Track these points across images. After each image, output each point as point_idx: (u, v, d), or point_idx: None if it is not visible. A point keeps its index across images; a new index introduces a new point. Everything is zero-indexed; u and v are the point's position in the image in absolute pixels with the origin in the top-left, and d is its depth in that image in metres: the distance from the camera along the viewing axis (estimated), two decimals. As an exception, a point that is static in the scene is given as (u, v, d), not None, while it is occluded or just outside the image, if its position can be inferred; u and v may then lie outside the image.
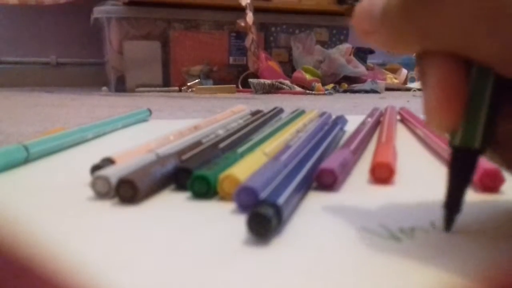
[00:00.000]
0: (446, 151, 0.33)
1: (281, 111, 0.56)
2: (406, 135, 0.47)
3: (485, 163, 0.28)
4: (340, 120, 0.46)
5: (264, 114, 0.52)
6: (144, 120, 0.55)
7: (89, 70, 1.93)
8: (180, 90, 1.52)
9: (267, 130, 0.40)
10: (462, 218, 0.23)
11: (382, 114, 0.53)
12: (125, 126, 0.50)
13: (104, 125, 0.46)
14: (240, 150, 0.32)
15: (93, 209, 0.24)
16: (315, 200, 0.26)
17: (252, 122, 0.45)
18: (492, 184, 0.26)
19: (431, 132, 0.40)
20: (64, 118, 0.68)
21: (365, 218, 0.23)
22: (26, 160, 0.34)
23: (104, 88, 1.58)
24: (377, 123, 0.49)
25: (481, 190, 0.27)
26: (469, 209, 0.24)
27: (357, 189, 0.28)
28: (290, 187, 0.23)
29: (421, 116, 0.49)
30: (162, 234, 0.21)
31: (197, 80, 1.54)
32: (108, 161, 0.29)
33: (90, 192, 0.26)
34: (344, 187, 0.28)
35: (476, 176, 0.27)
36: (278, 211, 0.20)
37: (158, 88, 1.52)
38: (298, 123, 0.44)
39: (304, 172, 0.26)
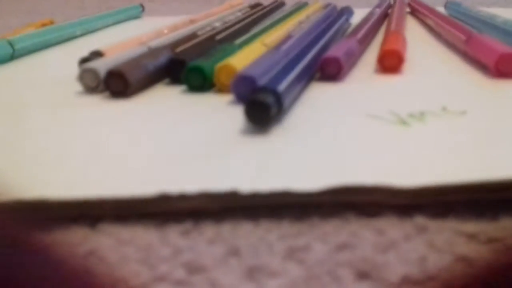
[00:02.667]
0: (458, 40, 0.31)
1: (282, 4, 0.53)
2: (417, 26, 0.45)
3: (500, 47, 0.26)
4: (346, 11, 0.43)
5: (264, 7, 0.49)
6: (137, 17, 0.52)
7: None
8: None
9: (267, 22, 0.38)
10: (474, 103, 0.22)
11: (390, 6, 0.50)
12: (116, 22, 0.47)
13: (93, 20, 0.44)
14: (238, 41, 0.30)
15: (82, 103, 0.23)
16: (319, 90, 0.24)
17: (251, 15, 0.43)
18: (507, 69, 0.25)
19: (443, 21, 0.37)
20: (51, 9, 0.65)
21: (371, 105, 0.21)
22: (12, 57, 0.33)
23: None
24: (385, 15, 0.46)
25: (496, 76, 0.25)
26: (483, 94, 0.23)
27: (364, 79, 0.26)
28: (291, 75, 0.22)
29: (432, 5, 0.47)
30: (155, 127, 0.20)
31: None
32: (96, 54, 0.28)
33: (78, 87, 0.25)
34: (350, 77, 0.27)
35: (491, 61, 0.25)
36: (278, 98, 0.19)
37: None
38: (301, 15, 0.41)
39: (306, 61, 0.25)
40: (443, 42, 0.36)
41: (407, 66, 0.28)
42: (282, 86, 0.20)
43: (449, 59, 0.30)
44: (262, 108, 0.18)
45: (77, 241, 0.14)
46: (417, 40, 0.37)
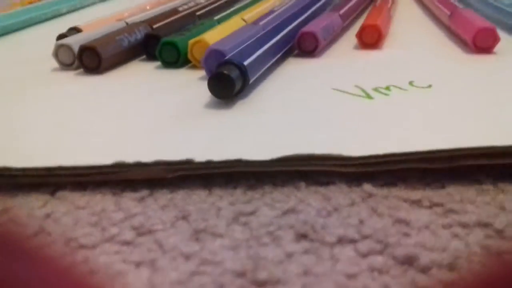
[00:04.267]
0: (443, 15, 0.32)
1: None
2: (410, 1, 0.45)
3: (480, 22, 0.27)
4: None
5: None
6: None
7: None
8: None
9: (253, -3, 0.39)
10: (442, 77, 0.22)
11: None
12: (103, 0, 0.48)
13: (79, -2, 0.45)
14: (217, 17, 0.31)
15: (55, 79, 0.24)
16: (293, 65, 0.25)
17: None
18: (485, 44, 0.26)
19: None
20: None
21: (340, 80, 0.22)
22: (-7, 35, 0.34)
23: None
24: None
25: (474, 51, 0.26)
26: (454, 68, 0.24)
27: (341, 54, 0.27)
28: (261, 49, 0.22)
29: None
30: (122, 101, 0.21)
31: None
32: (74, 30, 0.29)
33: (55, 64, 0.26)
34: (328, 53, 0.28)
35: (469, 36, 0.26)
36: (243, 72, 0.20)
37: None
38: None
39: (281, 35, 0.26)
40: (431, 18, 0.36)
41: (388, 41, 0.29)
42: (248, 60, 0.21)
43: (433, 35, 0.31)
44: (226, 82, 0.19)
45: (36, 205, 0.15)
46: (406, 15, 0.37)
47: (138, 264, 0.12)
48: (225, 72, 0.19)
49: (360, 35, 0.28)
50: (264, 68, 0.23)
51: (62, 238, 0.13)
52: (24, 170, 0.16)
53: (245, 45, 0.23)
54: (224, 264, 0.12)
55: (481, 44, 0.26)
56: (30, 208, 0.15)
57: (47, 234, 0.14)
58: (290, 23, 0.28)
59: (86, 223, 0.14)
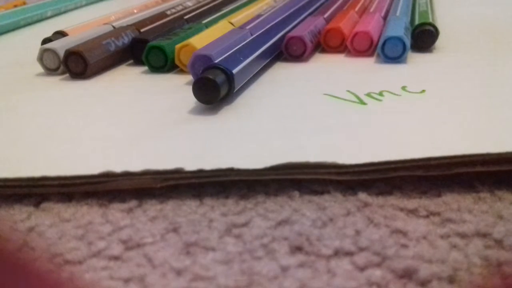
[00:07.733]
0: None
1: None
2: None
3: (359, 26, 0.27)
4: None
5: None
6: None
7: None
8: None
9: (241, 1, 0.38)
10: (439, 81, 0.22)
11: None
12: (89, 3, 0.47)
13: (66, 1, 0.44)
14: (205, 20, 0.30)
15: (40, 85, 0.24)
16: (281, 70, 0.25)
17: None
18: (362, 48, 0.26)
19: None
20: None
21: (332, 85, 0.22)
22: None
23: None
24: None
25: (354, 54, 0.26)
26: (450, 73, 0.23)
27: (330, 59, 0.27)
28: (248, 54, 0.22)
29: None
30: (108, 108, 0.20)
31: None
32: (59, 34, 0.28)
33: (40, 69, 0.25)
34: (316, 58, 0.27)
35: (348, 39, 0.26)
36: (229, 77, 0.19)
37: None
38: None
39: (269, 40, 0.25)
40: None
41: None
42: (235, 65, 0.20)
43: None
44: (211, 87, 0.19)
45: (20, 218, 0.14)
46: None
47: (126, 281, 0.12)
48: (210, 76, 0.19)
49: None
50: (252, 74, 0.22)
51: (46, 253, 0.13)
52: (6, 181, 0.15)
53: (232, 50, 0.22)
54: (217, 279, 0.12)
55: (358, 47, 0.26)
56: (13, 221, 0.14)
57: (30, 249, 0.13)
58: (278, 28, 0.27)
59: (72, 237, 0.13)
